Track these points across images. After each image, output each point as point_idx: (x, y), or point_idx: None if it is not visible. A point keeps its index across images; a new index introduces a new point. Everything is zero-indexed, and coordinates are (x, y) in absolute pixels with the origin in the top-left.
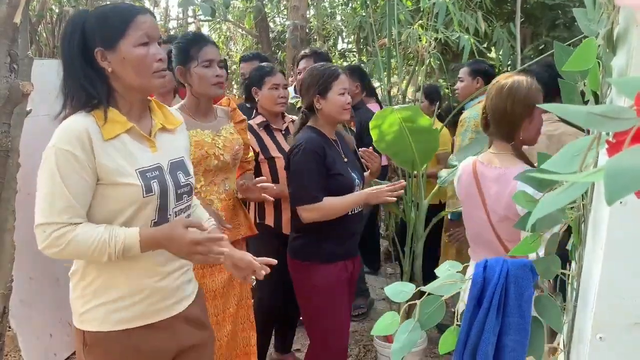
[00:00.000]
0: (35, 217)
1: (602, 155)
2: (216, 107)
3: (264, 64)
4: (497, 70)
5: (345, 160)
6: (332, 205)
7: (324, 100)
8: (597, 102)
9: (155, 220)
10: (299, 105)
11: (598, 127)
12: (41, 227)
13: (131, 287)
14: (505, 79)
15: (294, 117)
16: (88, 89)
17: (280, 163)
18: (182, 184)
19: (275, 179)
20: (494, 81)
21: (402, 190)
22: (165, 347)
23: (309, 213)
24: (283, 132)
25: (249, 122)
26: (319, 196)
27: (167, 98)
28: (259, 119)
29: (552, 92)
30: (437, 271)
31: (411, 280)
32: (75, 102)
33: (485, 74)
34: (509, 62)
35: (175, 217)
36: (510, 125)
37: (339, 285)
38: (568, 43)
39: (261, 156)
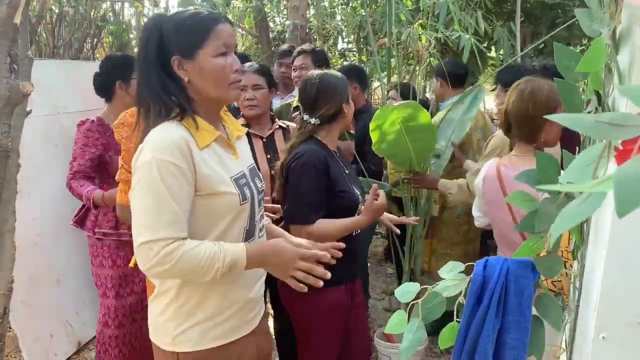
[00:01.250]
0: (137, 235)
1: (612, 165)
2: None
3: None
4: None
5: (347, 172)
6: (327, 230)
7: (348, 107)
8: (599, 101)
9: (247, 229)
10: (295, 104)
11: (605, 136)
12: (147, 245)
13: (225, 302)
14: (525, 83)
15: (288, 123)
16: (166, 97)
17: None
18: (260, 189)
19: None
20: (514, 85)
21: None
22: (253, 357)
23: (299, 235)
24: (264, 140)
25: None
26: (313, 217)
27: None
28: (240, 121)
29: None
30: (440, 272)
31: (411, 280)
32: (156, 112)
33: (443, 74)
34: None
35: (260, 223)
36: (532, 127)
37: (339, 310)
38: (567, 42)
39: None
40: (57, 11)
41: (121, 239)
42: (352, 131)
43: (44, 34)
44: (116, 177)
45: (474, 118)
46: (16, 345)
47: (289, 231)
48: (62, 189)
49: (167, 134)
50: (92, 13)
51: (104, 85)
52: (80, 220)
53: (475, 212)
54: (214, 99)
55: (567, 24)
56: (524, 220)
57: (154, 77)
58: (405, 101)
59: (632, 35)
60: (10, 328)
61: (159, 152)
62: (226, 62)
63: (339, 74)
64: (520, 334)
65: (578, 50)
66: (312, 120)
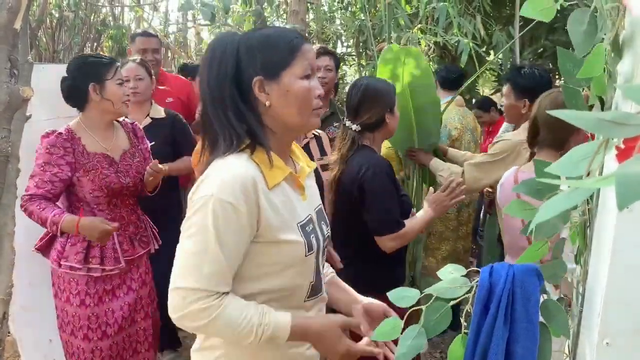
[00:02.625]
0: (175, 276)
1: (608, 160)
2: None
3: None
4: (497, 74)
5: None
6: (413, 229)
7: (391, 117)
8: (602, 106)
9: (313, 283)
10: None
11: (607, 134)
12: (181, 292)
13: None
14: (559, 92)
15: (319, 132)
16: (239, 125)
17: None
18: (325, 236)
19: None
20: (545, 93)
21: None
22: None
23: (394, 242)
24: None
25: None
26: (402, 222)
27: (144, 106)
28: None
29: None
30: (439, 273)
31: (412, 284)
32: (227, 143)
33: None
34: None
35: (325, 277)
36: (563, 133)
37: None
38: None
39: None
40: (57, 16)
41: (91, 274)
42: None
43: (44, 38)
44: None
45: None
46: (15, 350)
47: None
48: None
49: (234, 170)
50: (92, 17)
51: (74, 91)
52: (44, 247)
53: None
54: (293, 126)
55: (565, 28)
56: (526, 228)
57: (228, 100)
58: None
59: (636, 41)
60: (9, 333)
61: (219, 190)
62: (310, 85)
63: (387, 81)
64: (530, 342)
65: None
66: (353, 127)
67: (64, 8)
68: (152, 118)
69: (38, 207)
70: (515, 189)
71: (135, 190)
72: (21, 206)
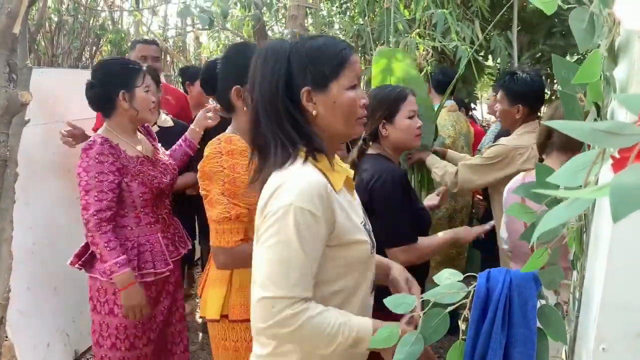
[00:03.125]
0: (260, 288)
1: (605, 170)
2: None
3: None
4: (495, 79)
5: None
6: (429, 245)
7: (391, 126)
8: (598, 113)
9: (374, 280)
10: None
11: (602, 144)
12: (269, 302)
13: None
14: None
15: None
16: (294, 133)
17: None
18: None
19: None
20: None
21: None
22: None
23: (407, 255)
24: None
25: None
26: (415, 234)
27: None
28: None
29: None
30: (435, 278)
31: None
32: (281, 151)
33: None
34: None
35: None
36: None
37: None
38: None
39: None
40: (56, 20)
41: (145, 280)
42: None
43: (43, 43)
44: (216, 216)
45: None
46: (13, 354)
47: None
48: (60, 197)
49: (309, 178)
50: (91, 22)
51: (102, 98)
52: (87, 262)
53: (502, 233)
54: (339, 135)
55: (563, 32)
56: (528, 231)
57: (282, 110)
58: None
59: (631, 47)
60: (6, 337)
61: (298, 199)
62: (356, 95)
63: (392, 88)
64: (527, 347)
65: (575, 59)
66: (364, 136)
67: (63, 12)
68: (159, 127)
69: (106, 243)
70: (515, 192)
71: (171, 188)
72: (88, 230)
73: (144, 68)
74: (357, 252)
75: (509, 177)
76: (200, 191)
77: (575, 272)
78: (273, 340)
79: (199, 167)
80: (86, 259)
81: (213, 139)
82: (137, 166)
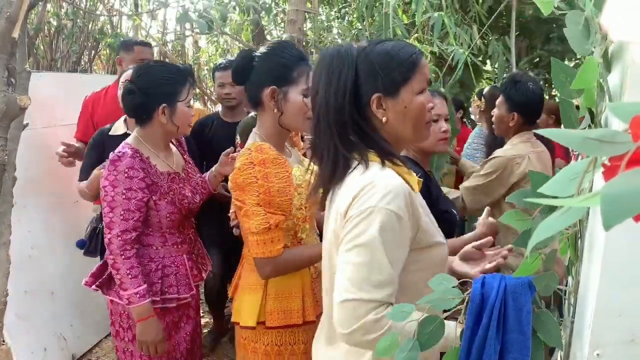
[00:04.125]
0: (342, 290)
1: (597, 178)
2: None
3: None
4: (492, 83)
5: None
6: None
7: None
8: (592, 118)
9: None
10: None
11: (594, 152)
12: (352, 304)
13: None
14: None
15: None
16: (357, 140)
17: None
18: None
19: None
20: None
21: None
22: None
23: None
24: None
25: None
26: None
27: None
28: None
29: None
30: (430, 284)
31: None
32: (344, 159)
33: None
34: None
35: None
36: None
37: None
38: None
39: None
40: (55, 24)
41: (166, 305)
42: None
43: (42, 47)
44: (255, 228)
45: None
46: (10, 358)
47: None
48: (57, 201)
49: (393, 180)
50: (90, 26)
51: (140, 108)
52: (104, 283)
53: None
54: (406, 140)
55: (561, 38)
56: (521, 238)
57: (348, 118)
58: None
59: (624, 54)
60: (4, 342)
61: (383, 201)
62: (425, 99)
63: None
64: (522, 353)
65: (572, 64)
66: None
67: (62, 16)
68: None
69: (128, 270)
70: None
71: (200, 207)
72: (110, 252)
73: (190, 80)
74: (437, 255)
75: (511, 189)
76: (233, 202)
77: (570, 278)
78: (354, 347)
79: (230, 178)
80: (104, 280)
81: (243, 149)
82: (167, 183)
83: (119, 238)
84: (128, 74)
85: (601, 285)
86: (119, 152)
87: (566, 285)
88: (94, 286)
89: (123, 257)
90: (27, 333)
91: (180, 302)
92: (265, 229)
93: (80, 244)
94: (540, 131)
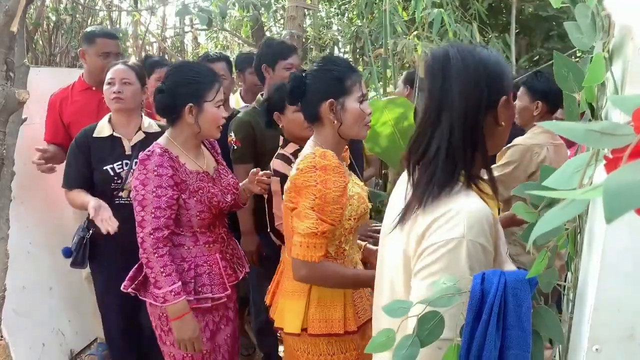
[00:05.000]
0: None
1: (599, 170)
2: None
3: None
4: None
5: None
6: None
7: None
8: (592, 113)
9: None
10: None
11: (596, 144)
12: (435, 343)
13: None
14: None
15: None
16: (470, 152)
17: None
18: None
19: None
20: None
21: None
22: None
23: None
24: None
25: (280, 152)
26: None
27: (132, 117)
28: (293, 147)
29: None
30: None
31: None
32: (450, 173)
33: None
34: None
35: None
36: None
37: None
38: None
39: None
40: (54, 19)
41: (200, 306)
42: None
43: (41, 42)
44: (303, 230)
45: None
46: (8, 354)
47: None
48: (56, 197)
49: (478, 207)
50: (89, 21)
51: (169, 107)
52: (140, 286)
53: None
54: (497, 149)
55: (561, 36)
56: (526, 232)
57: (479, 125)
58: (394, 97)
59: (624, 49)
60: (1, 337)
61: (471, 232)
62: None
63: None
64: (522, 349)
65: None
66: None
67: (61, 11)
68: (145, 132)
69: (162, 268)
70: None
71: (232, 207)
72: (143, 250)
73: (220, 80)
74: None
75: (530, 178)
76: (284, 202)
77: (569, 273)
78: None
79: (289, 178)
80: (139, 282)
81: (307, 153)
82: (196, 182)
83: (152, 236)
84: (115, 68)
85: (600, 280)
86: (148, 151)
87: (565, 281)
88: (130, 289)
89: (156, 255)
90: (25, 329)
91: (215, 302)
92: (312, 233)
93: (67, 253)
94: (542, 123)
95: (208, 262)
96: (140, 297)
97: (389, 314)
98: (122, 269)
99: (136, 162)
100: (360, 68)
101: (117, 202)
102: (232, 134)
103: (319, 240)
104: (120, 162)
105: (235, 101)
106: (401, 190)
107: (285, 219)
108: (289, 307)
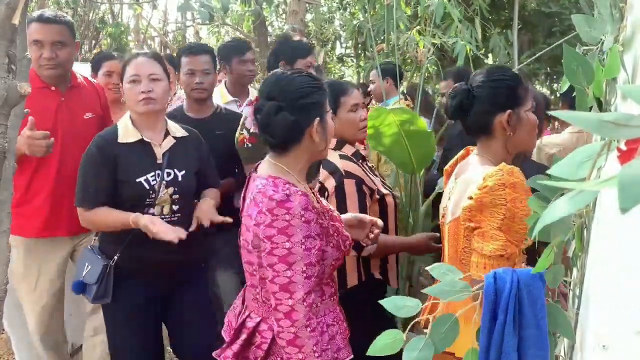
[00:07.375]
0: None
1: (610, 161)
2: None
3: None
4: None
5: None
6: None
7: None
8: (600, 108)
9: None
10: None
11: (610, 135)
12: None
13: None
14: None
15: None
16: None
17: (391, 201)
18: None
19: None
20: None
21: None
22: None
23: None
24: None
25: (340, 152)
26: None
27: (158, 120)
28: (350, 148)
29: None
30: (431, 271)
31: (410, 288)
32: None
33: (393, 73)
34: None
35: None
36: None
37: None
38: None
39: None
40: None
41: None
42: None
43: None
44: (489, 252)
45: None
46: (9, 347)
47: None
48: None
49: None
50: (90, 15)
51: (295, 127)
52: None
53: None
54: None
55: (563, 32)
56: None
57: None
58: (399, 107)
59: (636, 42)
60: (3, 331)
61: None
62: None
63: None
64: (540, 349)
65: None
66: None
67: (63, 5)
68: (174, 137)
69: (315, 346)
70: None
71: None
72: (292, 323)
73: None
74: None
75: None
76: (463, 221)
77: (575, 270)
78: None
79: (473, 196)
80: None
81: (493, 170)
82: (329, 222)
83: (305, 303)
84: (137, 62)
85: (607, 276)
86: (284, 191)
87: (570, 277)
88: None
89: (309, 329)
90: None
91: None
92: (500, 256)
93: (78, 288)
94: (555, 113)
95: (336, 320)
96: None
97: (394, 312)
98: (148, 302)
99: (169, 174)
100: (362, 63)
101: None
102: (245, 132)
103: (505, 263)
104: (153, 173)
105: (221, 94)
106: None
107: (456, 238)
108: (460, 330)
